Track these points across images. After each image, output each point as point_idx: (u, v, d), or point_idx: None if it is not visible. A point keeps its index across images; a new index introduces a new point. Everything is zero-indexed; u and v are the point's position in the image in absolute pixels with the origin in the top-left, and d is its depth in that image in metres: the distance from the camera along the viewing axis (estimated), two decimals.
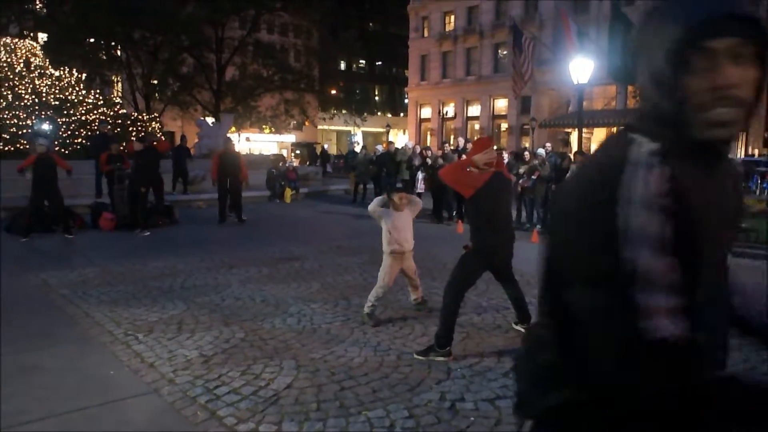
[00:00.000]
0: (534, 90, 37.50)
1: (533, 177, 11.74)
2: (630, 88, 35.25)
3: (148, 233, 10.59)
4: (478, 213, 4.65)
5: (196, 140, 21.60)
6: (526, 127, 40.90)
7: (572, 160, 11.16)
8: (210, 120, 28.09)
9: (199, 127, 22.77)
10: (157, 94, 33.49)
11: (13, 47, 18.75)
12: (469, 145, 16.35)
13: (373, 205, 5.48)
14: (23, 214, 10.42)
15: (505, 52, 44.53)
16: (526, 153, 13.47)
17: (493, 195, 4.59)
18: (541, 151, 13.07)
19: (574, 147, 16.34)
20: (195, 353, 4.52)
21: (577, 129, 16.13)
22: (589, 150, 35.21)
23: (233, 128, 31.03)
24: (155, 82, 33.22)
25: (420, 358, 4.44)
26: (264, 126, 40.70)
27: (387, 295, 5.59)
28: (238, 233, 11.01)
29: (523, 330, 5.03)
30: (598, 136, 39.79)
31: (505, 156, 14.61)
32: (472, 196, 4.59)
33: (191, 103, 34.34)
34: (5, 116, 15.97)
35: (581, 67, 13.26)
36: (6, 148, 15.20)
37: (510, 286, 5.09)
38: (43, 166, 9.78)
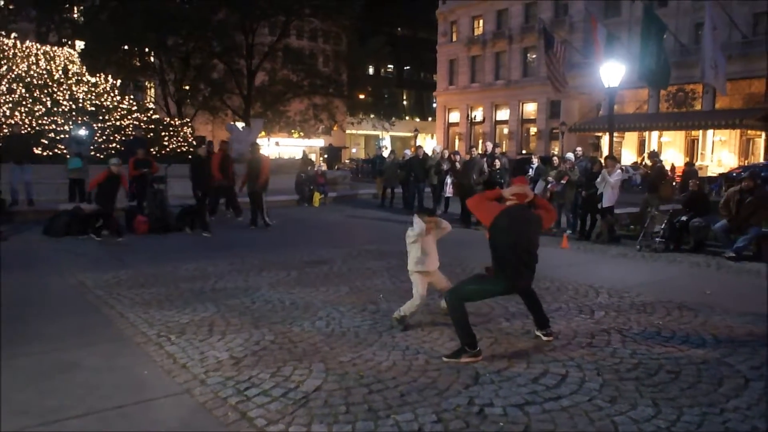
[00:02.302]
0: (564, 94, 37.11)
1: (562, 182, 11.62)
2: (662, 92, 34.65)
3: (241, 219, 12.49)
4: (494, 242, 4.64)
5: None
6: (555, 131, 40.54)
7: (603, 164, 11.00)
8: (240, 125, 28.50)
9: (230, 132, 23.12)
10: (188, 100, 34.13)
11: (52, 55, 19.30)
12: (498, 150, 16.29)
13: (414, 234, 5.35)
14: (60, 217, 10.74)
15: (534, 56, 44.23)
16: (555, 158, 13.34)
17: (510, 225, 4.56)
18: (570, 155, 12.93)
19: (605, 151, 16.12)
20: (226, 355, 4.59)
21: (607, 133, 15.92)
22: (620, 155, 34.72)
23: (263, 133, 31.42)
24: (187, 87, 33.86)
25: (450, 361, 4.45)
26: (293, 130, 41.10)
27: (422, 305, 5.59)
28: (267, 237, 11.13)
29: (544, 337, 4.97)
30: (629, 141, 39.19)
31: (534, 160, 14.49)
32: (491, 225, 4.60)
33: (222, 108, 34.91)
34: (44, 122, 16.43)
35: (612, 71, 13.08)
36: (45, 153, 15.63)
37: (526, 295, 5.06)
38: (111, 184, 10.34)
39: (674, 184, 24.40)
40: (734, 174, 23.67)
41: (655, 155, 13.14)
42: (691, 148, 36.44)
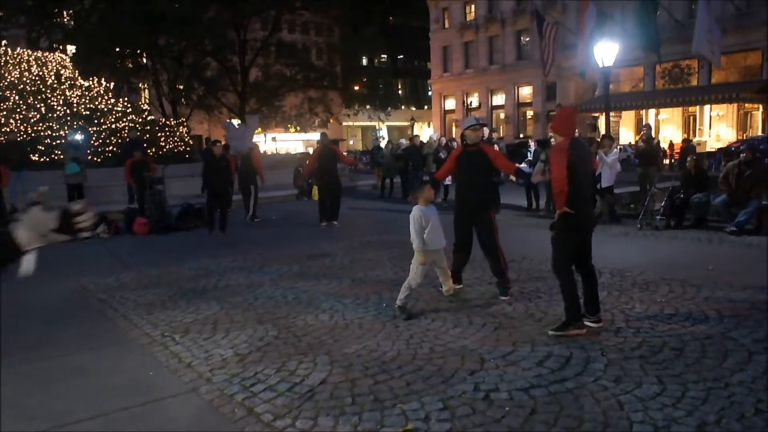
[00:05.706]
0: (559, 76, 36.87)
1: None
2: (658, 68, 34.45)
3: (336, 223, 11.68)
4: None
5: (223, 142, 21.83)
6: (552, 113, 40.37)
7: (599, 144, 10.96)
8: (236, 122, 28.44)
9: (226, 130, 22.96)
10: (183, 99, 34.02)
11: (44, 61, 19.24)
12: (495, 135, 16.23)
13: (418, 243, 5.33)
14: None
15: (527, 39, 43.97)
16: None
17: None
18: None
19: (603, 131, 16.07)
20: (230, 352, 4.60)
21: (604, 113, 15.87)
22: (618, 134, 34.59)
23: (259, 129, 31.37)
24: (181, 87, 33.73)
25: (556, 334, 4.61)
26: (289, 125, 41.02)
27: (419, 288, 5.59)
28: (268, 232, 11.14)
29: (593, 324, 4.84)
30: (626, 119, 39.05)
31: (531, 144, 14.46)
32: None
33: (217, 106, 34.80)
34: (39, 128, 16.40)
35: (606, 50, 13.01)
36: (41, 159, 15.61)
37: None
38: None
39: (673, 160, 24.39)
40: (733, 148, 23.59)
41: (647, 128, 13.20)
42: (689, 124, 36.30)
